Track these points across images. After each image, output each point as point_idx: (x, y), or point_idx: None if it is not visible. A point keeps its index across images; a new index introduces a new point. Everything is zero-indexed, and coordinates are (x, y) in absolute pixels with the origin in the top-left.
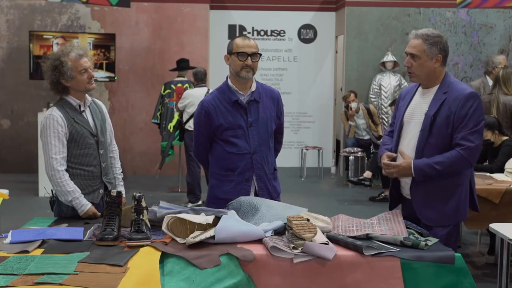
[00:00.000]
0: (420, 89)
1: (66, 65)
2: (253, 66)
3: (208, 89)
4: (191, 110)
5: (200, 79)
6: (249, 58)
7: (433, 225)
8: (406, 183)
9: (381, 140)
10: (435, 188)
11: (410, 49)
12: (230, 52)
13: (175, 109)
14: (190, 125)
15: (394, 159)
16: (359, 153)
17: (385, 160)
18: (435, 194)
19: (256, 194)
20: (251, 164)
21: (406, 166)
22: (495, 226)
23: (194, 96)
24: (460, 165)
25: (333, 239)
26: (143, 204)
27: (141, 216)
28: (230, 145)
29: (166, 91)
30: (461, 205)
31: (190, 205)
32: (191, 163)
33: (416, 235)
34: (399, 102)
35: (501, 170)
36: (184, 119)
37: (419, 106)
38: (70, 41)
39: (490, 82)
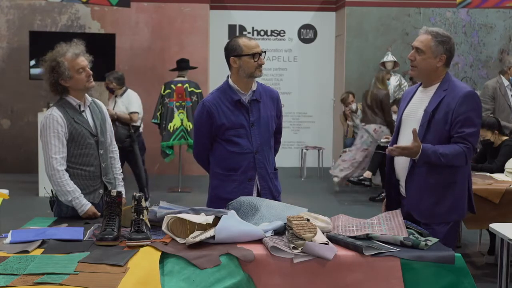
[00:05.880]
0: (421, 88)
1: (63, 65)
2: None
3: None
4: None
5: (123, 82)
6: (260, 57)
7: (427, 222)
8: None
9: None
10: (429, 185)
11: (417, 43)
12: (239, 54)
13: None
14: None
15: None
16: None
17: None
18: (429, 191)
19: (258, 194)
20: (254, 163)
21: (417, 150)
22: (495, 226)
23: (137, 97)
24: (459, 160)
25: (333, 239)
26: (143, 204)
27: (141, 216)
28: (233, 145)
29: (166, 91)
30: (456, 203)
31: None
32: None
33: (416, 235)
34: (400, 103)
35: (501, 170)
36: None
37: (419, 103)
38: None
39: (506, 82)
